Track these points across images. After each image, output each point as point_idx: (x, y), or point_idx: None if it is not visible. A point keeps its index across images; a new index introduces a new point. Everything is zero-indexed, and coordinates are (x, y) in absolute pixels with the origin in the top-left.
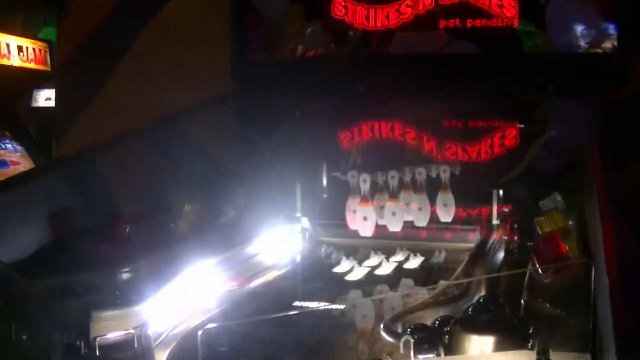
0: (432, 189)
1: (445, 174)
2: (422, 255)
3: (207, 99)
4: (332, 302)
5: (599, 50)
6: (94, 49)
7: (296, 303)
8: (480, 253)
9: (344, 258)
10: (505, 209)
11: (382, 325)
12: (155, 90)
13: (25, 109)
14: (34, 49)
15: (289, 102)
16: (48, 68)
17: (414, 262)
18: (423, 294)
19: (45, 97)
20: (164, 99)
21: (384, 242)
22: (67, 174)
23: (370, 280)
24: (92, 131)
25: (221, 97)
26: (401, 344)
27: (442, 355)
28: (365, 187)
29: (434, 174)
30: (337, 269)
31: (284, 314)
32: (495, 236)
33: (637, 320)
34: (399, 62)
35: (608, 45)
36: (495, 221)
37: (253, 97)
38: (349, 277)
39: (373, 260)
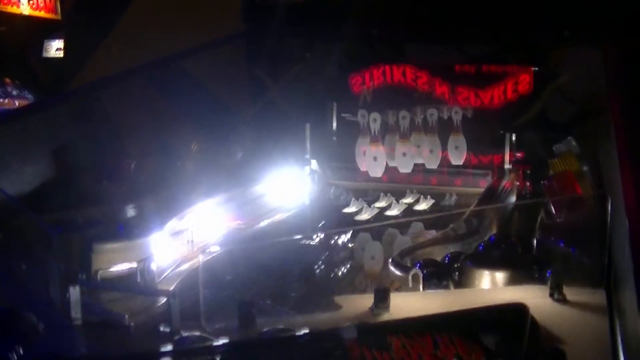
0: (443, 132)
1: (457, 115)
2: (432, 198)
3: (217, 39)
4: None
5: None
6: None
7: (304, 241)
8: (491, 195)
9: (353, 199)
10: (518, 155)
11: (390, 260)
12: (164, 32)
13: (37, 59)
14: None
15: (299, 44)
16: (59, 17)
17: (424, 205)
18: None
19: (57, 48)
20: (173, 40)
21: (394, 186)
22: (70, 109)
23: (380, 220)
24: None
25: (231, 38)
26: (410, 277)
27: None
28: (375, 126)
29: (445, 116)
30: (346, 210)
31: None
32: (506, 182)
33: None
34: (413, 4)
35: None
36: (507, 166)
37: (263, 38)
38: (358, 217)
39: (382, 202)
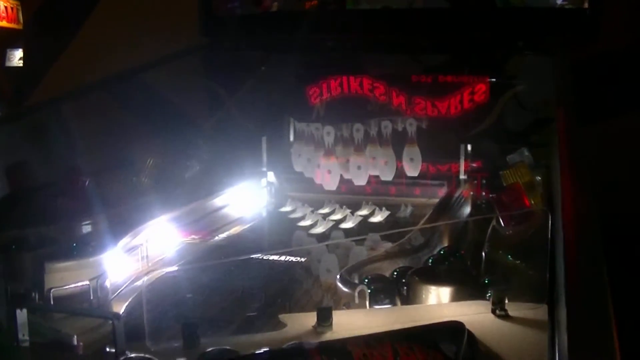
0: (398, 144)
1: (411, 127)
2: (387, 209)
3: (173, 51)
4: (295, 255)
5: (571, 6)
6: (60, 4)
7: (257, 256)
8: (445, 206)
9: (308, 212)
10: (474, 165)
11: (338, 276)
12: (123, 45)
13: None
14: (5, 7)
15: (256, 56)
16: (20, 26)
17: (379, 216)
18: (387, 247)
19: (19, 57)
20: (132, 52)
21: (351, 197)
22: (24, 125)
23: (335, 233)
24: (60, 88)
25: (188, 50)
26: (356, 294)
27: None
28: (329, 139)
29: (400, 127)
30: (301, 223)
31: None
32: (463, 191)
33: (589, 272)
34: (368, 16)
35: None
36: (462, 176)
37: (219, 50)
38: (312, 231)
39: (338, 214)
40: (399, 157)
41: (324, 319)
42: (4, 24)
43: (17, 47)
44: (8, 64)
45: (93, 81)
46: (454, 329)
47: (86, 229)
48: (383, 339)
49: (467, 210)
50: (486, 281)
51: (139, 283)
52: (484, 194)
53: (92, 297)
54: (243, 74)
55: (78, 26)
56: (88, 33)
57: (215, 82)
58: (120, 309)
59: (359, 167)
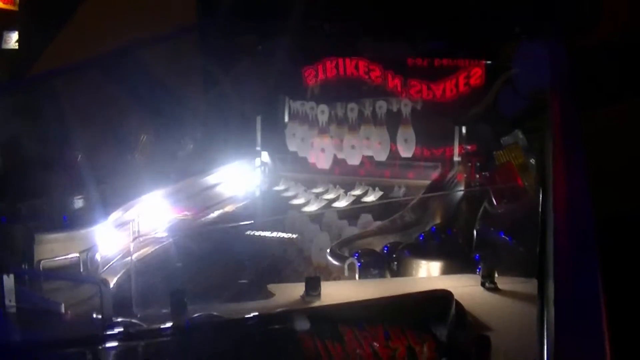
0: (393, 125)
1: (406, 108)
2: (381, 190)
3: (171, 31)
4: (287, 231)
5: None
6: None
7: (249, 232)
8: (437, 186)
9: (301, 191)
10: (468, 148)
11: (328, 250)
12: (119, 25)
13: None
14: None
15: (252, 37)
16: (16, 7)
17: (373, 197)
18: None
19: (15, 40)
20: (128, 33)
21: (345, 178)
22: (18, 100)
23: (329, 212)
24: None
25: (185, 30)
26: (345, 267)
27: None
28: (323, 118)
29: (394, 108)
30: (294, 201)
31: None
32: (456, 174)
33: (577, 249)
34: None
35: None
36: (456, 158)
37: (216, 31)
38: (305, 209)
39: (331, 193)
40: (393, 138)
41: (313, 288)
42: (0, 5)
43: (12, 29)
44: (5, 46)
45: (89, 58)
46: (442, 297)
47: (78, 202)
48: (374, 320)
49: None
50: (477, 257)
51: (130, 252)
52: (477, 176)
53: (82, 270)
54: (239, 55)
55: (74, 7)
56: (83, 14)
57: (211, 62)
58: (111, 282)
59: (352, 147)
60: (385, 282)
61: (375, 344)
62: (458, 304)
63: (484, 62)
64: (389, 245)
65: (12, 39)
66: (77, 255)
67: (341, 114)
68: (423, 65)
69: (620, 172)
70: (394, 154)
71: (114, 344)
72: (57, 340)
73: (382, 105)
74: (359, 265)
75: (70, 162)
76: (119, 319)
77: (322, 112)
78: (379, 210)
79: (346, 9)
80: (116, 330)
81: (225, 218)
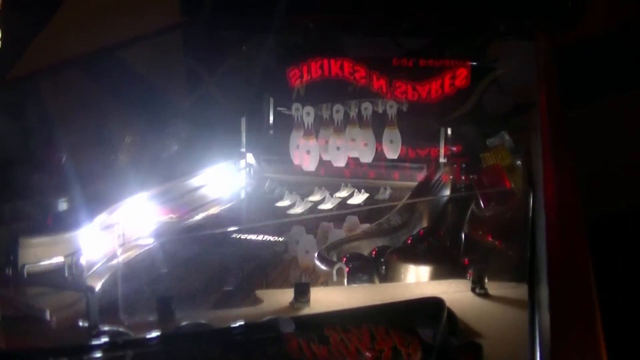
0: (378, 126)
1: (392, 109)
2: (366, 192)
3: (154, 30)
4: (273, 234)
5: None
6: None
7: (235, 235)
8: (424, 188)
9: (286, 192)
10: (454, 149)
11: (316, 254)
12: (102, 23)
13: None
14: None
15: (236, 36)
16: None
17: (358, 199)
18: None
19: None
20: (111, 31)
21: (330, 180)
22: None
23: (315, 214)
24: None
25: (168, 29)
26: (334, 272)
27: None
28: (308, 120)
29: (380, 110)
30: (279, 203)
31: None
32: (442, 175)
33: (570, 252)
34: None
35: None
36: (442, 159)
37: (200, 29)
38: (291, 211)
39: (317, 195)
40: (378, 139)
41: (302, 294)
42: None
43: None
44: None
45: (72, 58)
46: (433, 304)
47: (62, 205)
48: (359, 321)
49: (446, 193)
50: (466, 261)
51: (116, 260)
52: (463, 178)
53: (66, 274)
54: (223, 54)
55: (57, 3)
56: (67, 10)
57: (194, 61)
58: (96, 287)
59: (338, 148)
60: (375, 288)
61: (360, 346)
62: (449, 311)
63: (469, 62)
64: (377, 249)
65: None
66: (62, 259)
67: (327, 115)
68: (408, 65)
69: (604, 170)
70: (379, 155)
71: (100, 354)
72: (43, 350)
73: (367, 107)
74: (348, 270)
75: (54, 164)
76: (106, 328)
77: (308, 114)
78: (365, 212)
79: (328, 6)
80: (102, 340)
81: (210, 220)
